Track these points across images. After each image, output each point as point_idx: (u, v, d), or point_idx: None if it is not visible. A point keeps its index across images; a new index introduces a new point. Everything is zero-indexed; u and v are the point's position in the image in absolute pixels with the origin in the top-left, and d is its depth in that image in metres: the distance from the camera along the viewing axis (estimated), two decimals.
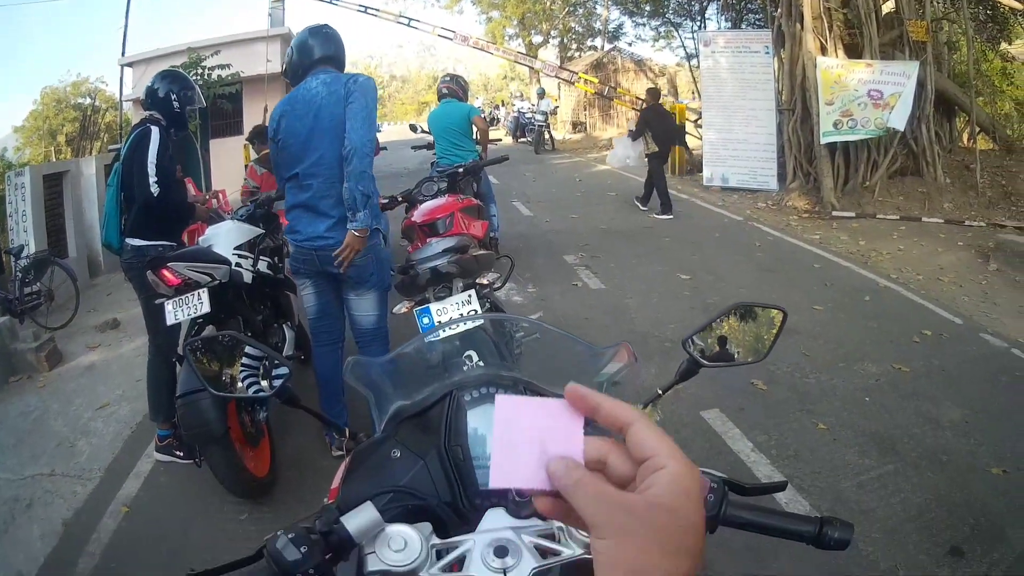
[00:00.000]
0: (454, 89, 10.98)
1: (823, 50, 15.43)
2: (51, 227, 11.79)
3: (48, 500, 5.89)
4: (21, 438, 7.01)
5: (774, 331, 2.32)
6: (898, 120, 14.39)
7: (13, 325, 8.84)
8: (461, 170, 9.00)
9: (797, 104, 16.19)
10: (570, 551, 1.53)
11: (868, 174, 15.26)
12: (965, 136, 16.73)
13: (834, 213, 14.36)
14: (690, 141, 20.06)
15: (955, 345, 8.09)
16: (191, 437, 5.31)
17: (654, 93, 16.34)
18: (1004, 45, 18.29)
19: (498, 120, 44.43)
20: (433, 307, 4.43)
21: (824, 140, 14.92)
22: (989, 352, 7.98)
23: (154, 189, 5.81)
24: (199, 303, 5.45)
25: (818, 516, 1.62)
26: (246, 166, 13.05)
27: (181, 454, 6.25)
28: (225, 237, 6.29)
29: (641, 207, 16.05)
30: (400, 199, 8.24)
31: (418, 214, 7.40)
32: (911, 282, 10.42)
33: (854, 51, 15.51)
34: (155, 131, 5.96)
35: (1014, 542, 4.87)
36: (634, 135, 17.00)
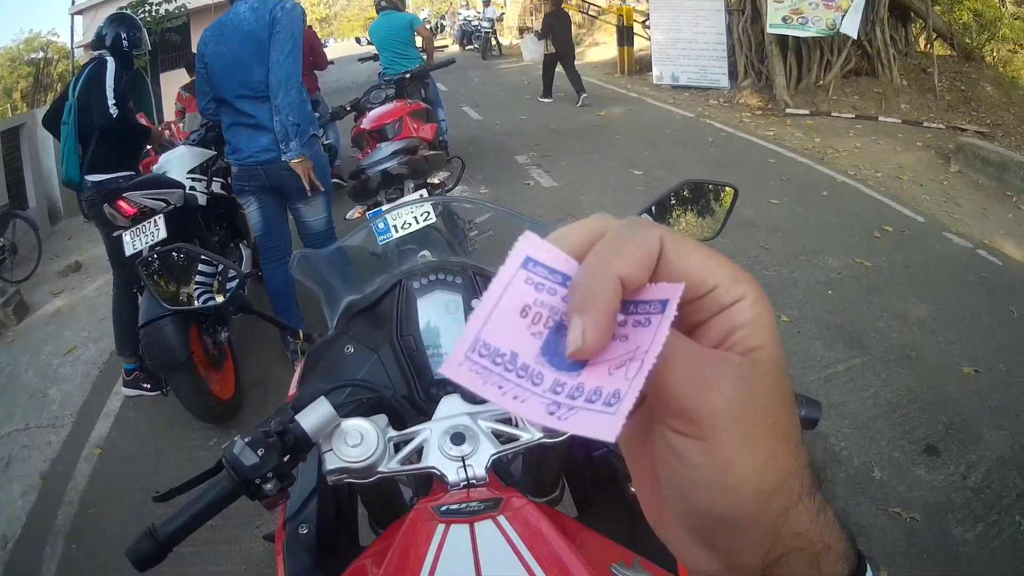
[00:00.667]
0: (392, 0, 10.85)
1: None
2: (11, 181, 11.63)
3: (25, 455, 5.86)
4: None
5: (725, 208, 2.34)
6: (850, 26, 14.16)
7: None
8: (408, 76, 8.83)
9: (747, 4, 16.04)
10: (528, 435, 1.57)
11: (821, 73, 15.11)
12: (921, 41, 16.61)
13: (787, 110, 14.27)
14: (638, 43, 19.97)
15: (918, 243, 7.98)
16: (156, 365, 5.43)
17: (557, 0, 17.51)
18: None
19: (444, 28, 44.55)
20: (388, 214, 4.23)
21: (771, 30, 14.77)
22: (953, 251, 7.86)
23: (113, 111, 5.82)
24: (156, 230, 5.43)
25: None
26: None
27: (148, 386, 6.26)
28: (178, 162, 6.42)
29: (543, 100, 17.26)
30: (349, 108, 8.12)
31: (367, 121, 7.40)
32: (869, 179, 10.31)
33: None
34: (110, 60, 5.98)
35: (991, 444, 4.83)
36: (540, 36, 18.57)
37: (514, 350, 0.52)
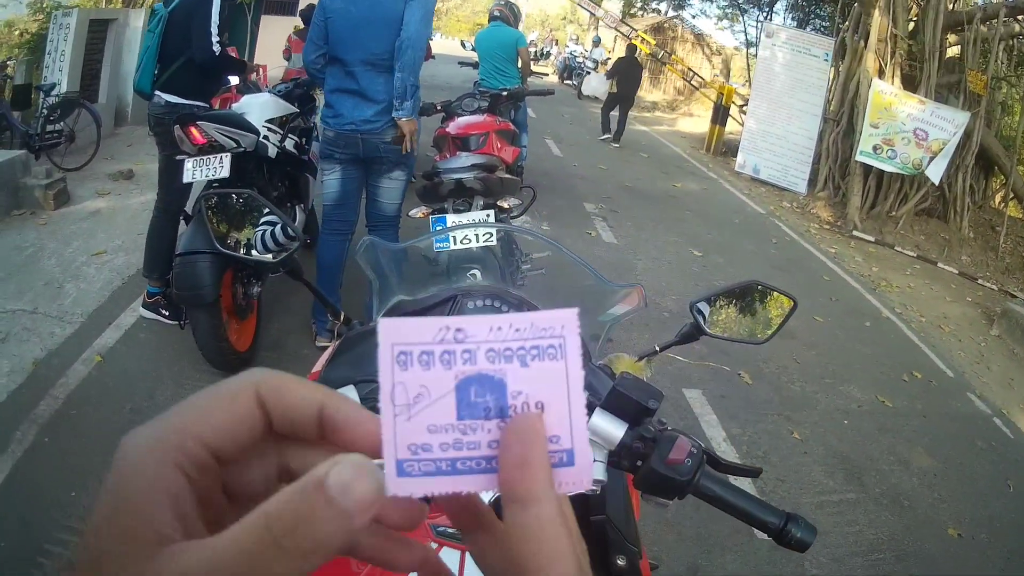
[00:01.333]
0: (506, 14, 10.81)
1: (880, 73, 15.26)
2: (87, 72, 11.62)
3: (24, 337, 5.86)
4: (10, 272, 6.90)
5: (781, 317, 2.32)
6: (935, 172, 14.26)
7: (28, 160, 8.68)
8: (505, 93, 8.81)
9: (844, 117, 16.08)
10: None
11: (896, 204, 15.10)
12: (998, 198, 16.55)
13: (854, 232, 14.22)
14: (731, 125, 19.92)
15: (941, 396, 8.02)
16: (182, 298, 5.37)
17: (631, 48, 19.23)
18: None
19: (548, 55, 44.20)
20: (449, 218, 4.37)
21: (859, 158, 14.83)
22: (972, 413, 7.90)
23: (216, 48, 5.87)
24: (219, 166, 5.38)
25: (785, 511, 1.53)
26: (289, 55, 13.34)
27: (167, 314, 6.28)
28: (259, 108, 6.25)
29: (603, 137, 18.36)
30: (439, 107, 8.12)
31: (453, 126, 7.46)
32: (913, 321, 10.32)
33: (910, 83, 15.32)
34: None
35: None
36: (608, 75, 20.44)
37: (437, 432, 0.53)
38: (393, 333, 0.53)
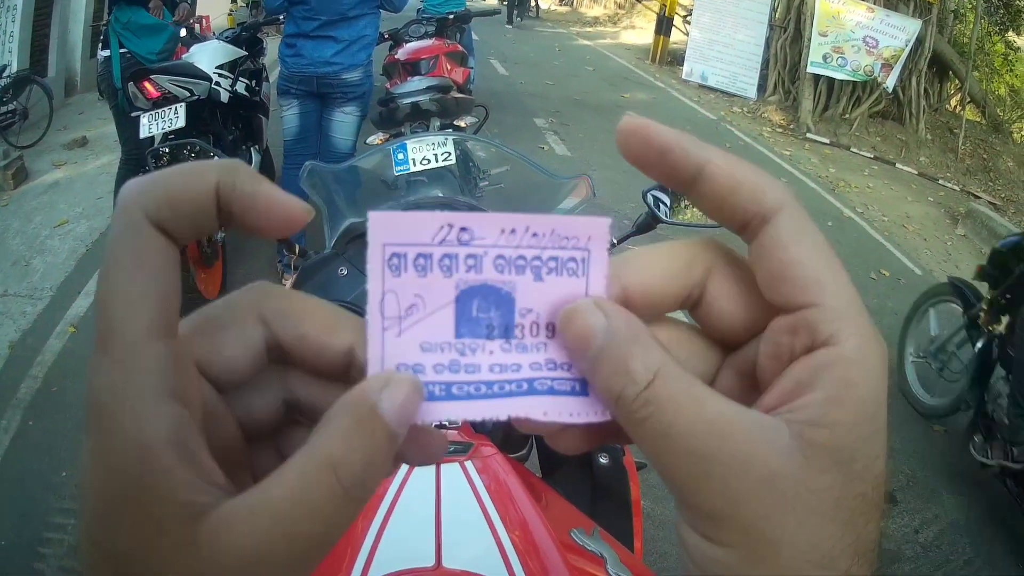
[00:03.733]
0: None
1: None
2: (36, 47, 11.55)
3: None
4: None
5: None
6: (889, 81, 14.42)
7: None
8: (451, 17, 8.94)
9: (791, 24, 16.03)
10: None
11: (849, 107, 15.13)
12: (954, 102, 16.67)
13: (808, 135, 14.26)
14: (675, 35, 19.93)
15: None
16: None
17: None
18: (1011, 34, 18.41)
19: None
20: (410, 144, 4.25)
21: (810, 69, 14.87)
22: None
23: None
24: (175, 117, 5.50)
25: None
26: None
27: None
28: (209, 55, 6.38)
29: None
30: (386, 36, 8.19)
31: (403, 52, 7.63)
32: (875, 220, 10.32)
33: None
34: None
35: (947, 506, 4.92)
36: None
37: (431, 351, 0.46)
38: (385, 230, 0.46)
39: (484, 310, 0.46)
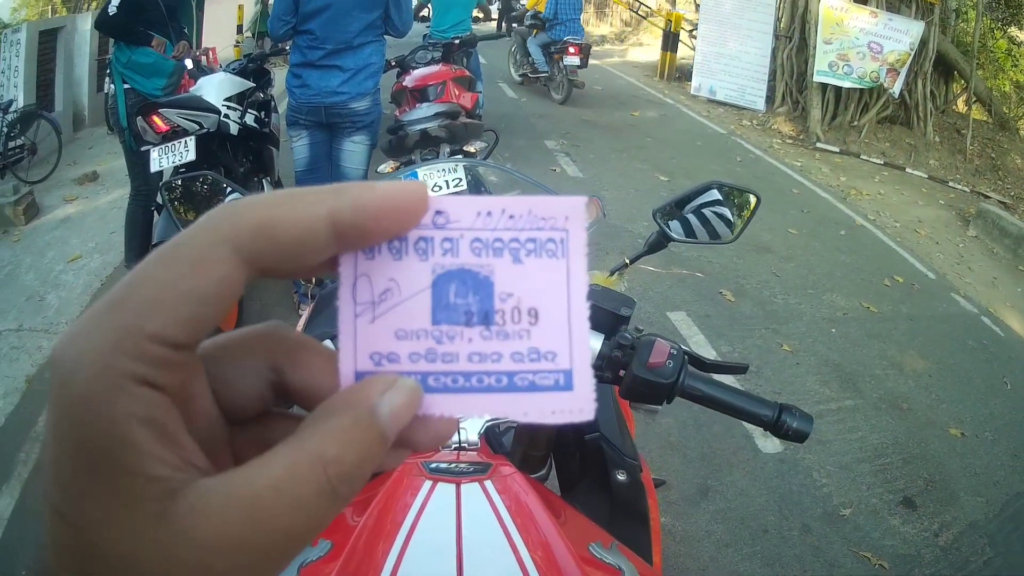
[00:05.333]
0: None
1: None
2: (41, 82, 11.53)
3: (13, 356, 5.81)
4: None
5: (747, 215, 2.30)
6: (897, 86, 14.26)
7: None
8: (457, 41, 8.96)
9: (795, 33, 15.98)
10: None
11: (857, 114, 15.06)
12: (960, 102, 16.61)
13: (818, 144, 14.21)
14: (682, 50, 19.71)
15: (925, 298, 8.00)
16: None
17: None
18: (1013, 29, 18.32)
19: (494, 3, 44.31)
20: (420, 172, 4.34)
21: (817, 78, 14.74)
22: (959, 313, 7.86)
23: (112, 9, 6.00)
24: (185, 151, 5.44)
25: (778, 402, 1.59)
26: (238, 27, 13.77)
27: None
28: (216, 88, 6.30)
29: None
30: (393, 64, 8.20)
31: (410, 79, 7.57)
32: (888, 227, 10.28)
33: None
34: None
35: (966, 508, 4.87)
36: None
37: (407, 339, 0.45)
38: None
39: (462, 295, 0.46)
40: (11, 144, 9.52)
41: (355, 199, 0.42)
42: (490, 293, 0.45)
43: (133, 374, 0.37)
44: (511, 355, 0.45)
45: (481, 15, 12.80)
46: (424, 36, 10.53)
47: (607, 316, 1.56)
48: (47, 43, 11.60)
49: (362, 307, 0.44)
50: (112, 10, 5.89)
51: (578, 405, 0.45)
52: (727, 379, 1.75)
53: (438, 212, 0.45)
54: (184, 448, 0.40)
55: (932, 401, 5.98)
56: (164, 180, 5.35)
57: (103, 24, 6.11)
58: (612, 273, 2.28)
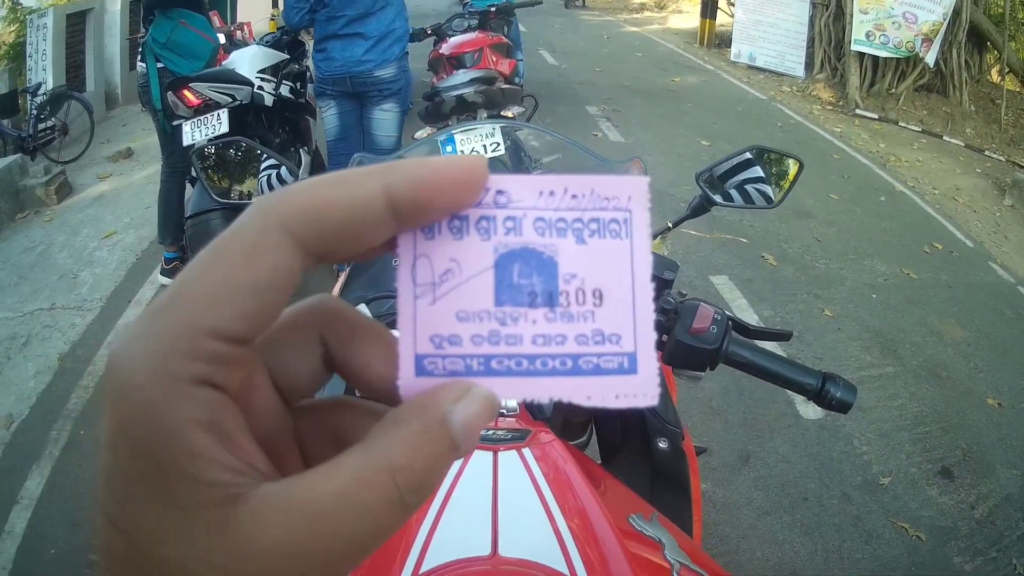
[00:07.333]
0: None
1: None
2: (71, 63, 11.57)
3: (46, 335, 5.88)
4: (23, 275, 6.87)
5: (789, 179, 2.29)
6: (930, 57, 14.18)
7: (24, 163, 8.62)
8: (494, 8, 8.82)
9: (832, 1, 15.88)
10: None
11: (895, 81, 14.99)
12: (994, 72, 16.50)
13: (857, 111, 14.19)
14: (721, 17, 19.61)
15: (963, 266, 7.97)
16: None
17: None
18: None
19: None
20: (457, 136, 4.33)
21: (855, 47, 14.72)
22: (996, 282, 7.82)
23: None
24: (218, 123, 5.45)
25: (822, 371, 1.58)
26: (273, 0, 13.57)
27: None
28: (249, 60, 6.34)
29: None
30: (429, 32, 8.20)
31: (447, 47, 7.52)
32: (927, 194, 10.24)
33: None
34: None
35: (1003, 480, 4.86)
36: None
37: (469, 320, 0.44)
38: None
39: (526, 275, 0.44)
40: (41, 126, 9.59)
41: (409, 174, 0.41)
42: (554, 274, 0.44)
43: (191, 375, 0.36)
44: (575, 337, 0.44)
45: None
46: (463, 4, 10.49)
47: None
48: (76, 25, 11.65)
49: (422, 288, 0.43)
50: None
51: (642, 389, 0.44)
52: (770, 345, 1.73)
53: (499, 191, 0.44)
54: (245, 451, 0.39)
55: (970, 370, 5.97)
56: (195, 148, 5.34)
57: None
58: (655, 236, 2.22)
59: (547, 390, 0.43)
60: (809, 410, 5.08)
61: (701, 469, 2.26)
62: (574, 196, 0.44)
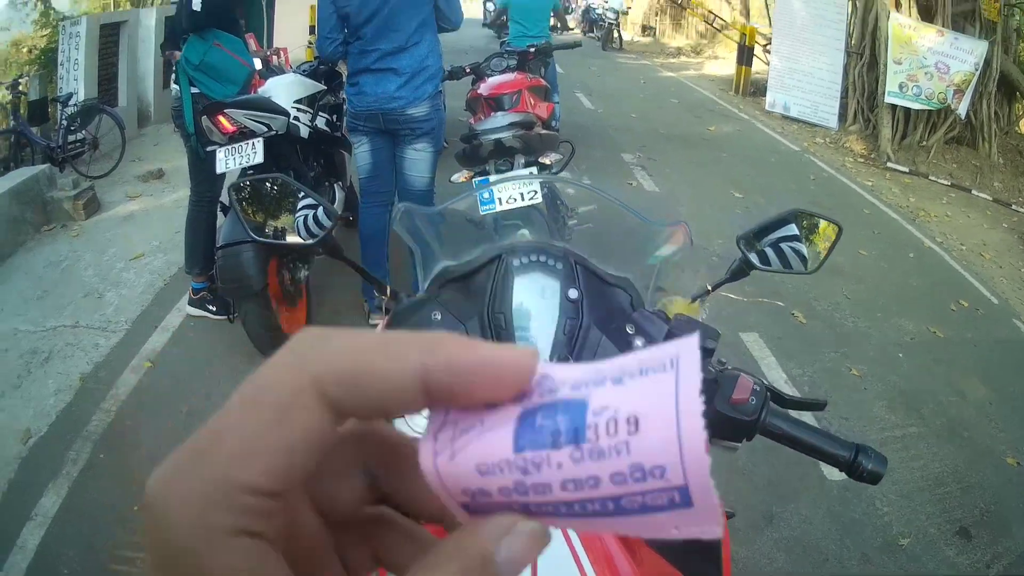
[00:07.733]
0: None
1: (897, 5, 15.18)
2: (103, 76, 11.48)
3: (68, 353, 5.82)
4: (48, 289, 6.85)
5: (828, 244, 2.28)
6: (962, 108, 14.28)
7: (52, 173, 8.57)
8: (532, 50, 8.75)
9: (866, 50, 15.95)
10: None
11: (926, 134, 14.99)
12: (1022, 123, 16.45)
13: (888, 164, 14.17)
14: (757, 65, 19.77)
15: (988, 323, 8.04)
16: (228, 290, 5.36)
17: None
18: None
19: (571, 11, 43.92)
20: (495, 184, 4.45)
21: (888, 99, 14.74)
22: (1020, 339, 7.89)
23: (197, 5, 5.70)
24: (252, 152, 5.33)
25: (854, 443, 1.59)
26: (311, 27, 13.41)
27: (214, 308, 6.26)
28: (286, 89, 6.20)
29: None
30: (468, 70, 8.06)
31: (485, 87, 7.34)
32: (954, 250, 10.27)
33: (927, 13, 15.16)
34: None
35: (1019, 538, 4.91)
36: None
37: (490, 474, 0.40)
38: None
39: (549, 417, 0.39)
40: (71, 138, 9.56)
41: (451, 360, 0.40)
42: (582, 412, 0.39)
43: (229, 527, 0.37)
44: (610, 477, 0.37)
45: (558, 24, 12.76)
46: (501, 43, 10.70)
47: None
48: (109, 37, 11.61)
49: (440, 444, 0.41)
50: (196, 6, 5.66)
51: (703, 522, 0.38)
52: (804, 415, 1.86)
53: (544, 376, 0.42)
54: None
55: (992, 430, 6.02)
56: (233, 181, 5.23)
57: (193, 17, 5.72)
58: (694, 300, 2.27)
59: (596, 528, 0.40)
60: (834, 471, 5.04)
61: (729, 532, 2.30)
62: (620, 367, 0.40)
